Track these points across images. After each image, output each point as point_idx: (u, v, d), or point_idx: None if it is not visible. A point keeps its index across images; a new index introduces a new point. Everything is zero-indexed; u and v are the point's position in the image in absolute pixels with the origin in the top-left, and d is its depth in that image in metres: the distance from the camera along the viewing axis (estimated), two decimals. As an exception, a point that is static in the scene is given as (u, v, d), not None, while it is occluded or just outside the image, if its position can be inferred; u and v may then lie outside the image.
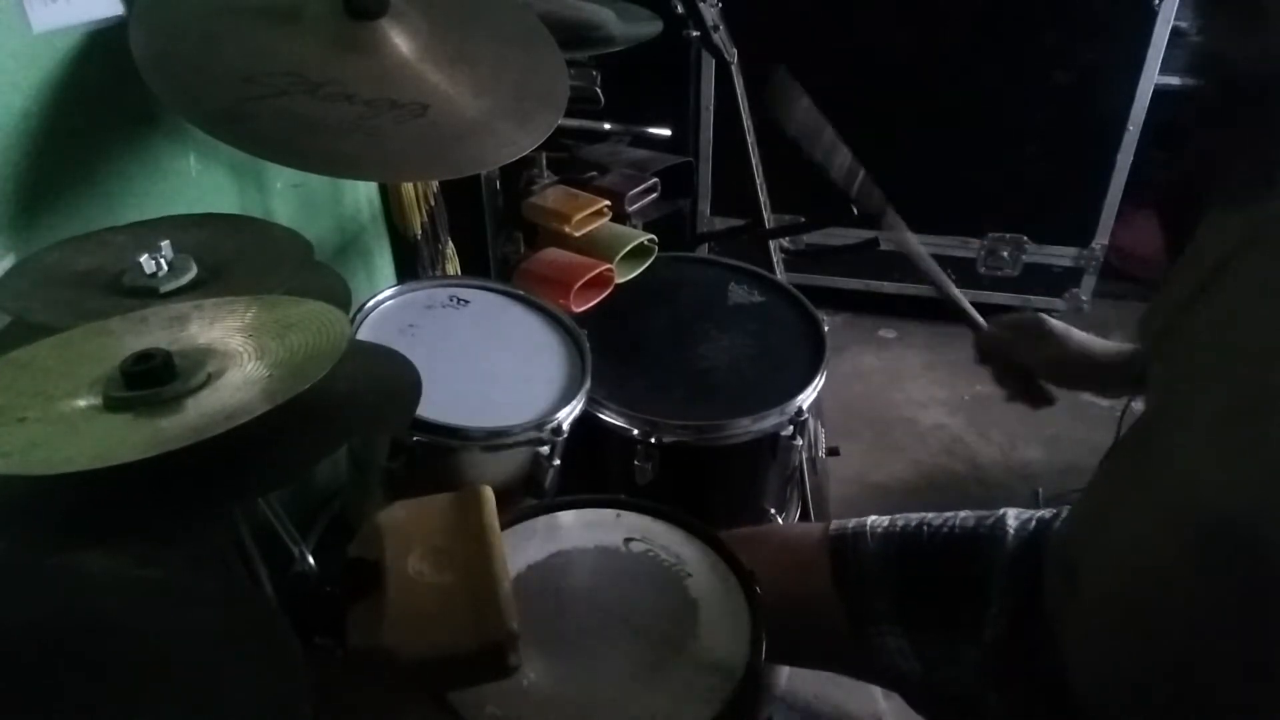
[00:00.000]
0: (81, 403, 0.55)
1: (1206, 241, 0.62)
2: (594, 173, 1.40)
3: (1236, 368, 0.55)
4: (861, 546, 0.89)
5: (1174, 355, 0.61)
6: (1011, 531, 0.85)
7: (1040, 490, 1.86)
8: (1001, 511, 0.88)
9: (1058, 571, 0.76)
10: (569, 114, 0.99)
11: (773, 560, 0.87)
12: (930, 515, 0.90)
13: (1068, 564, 0.73)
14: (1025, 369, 0.94)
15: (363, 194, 1.44)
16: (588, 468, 1.06)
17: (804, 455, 1.20)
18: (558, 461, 0.97)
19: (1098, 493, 0.74)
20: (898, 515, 0.91)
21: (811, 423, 1.23)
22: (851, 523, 0.92)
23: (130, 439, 0.51)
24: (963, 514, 0.89)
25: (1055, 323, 0.92)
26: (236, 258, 0.80)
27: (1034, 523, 0.85)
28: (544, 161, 1.34)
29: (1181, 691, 0.63)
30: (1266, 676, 0.58)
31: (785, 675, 1.10)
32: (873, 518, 0.92)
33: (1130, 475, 0.67)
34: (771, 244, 1.64)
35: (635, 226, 1.35)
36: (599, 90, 1.31)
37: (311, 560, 0.81)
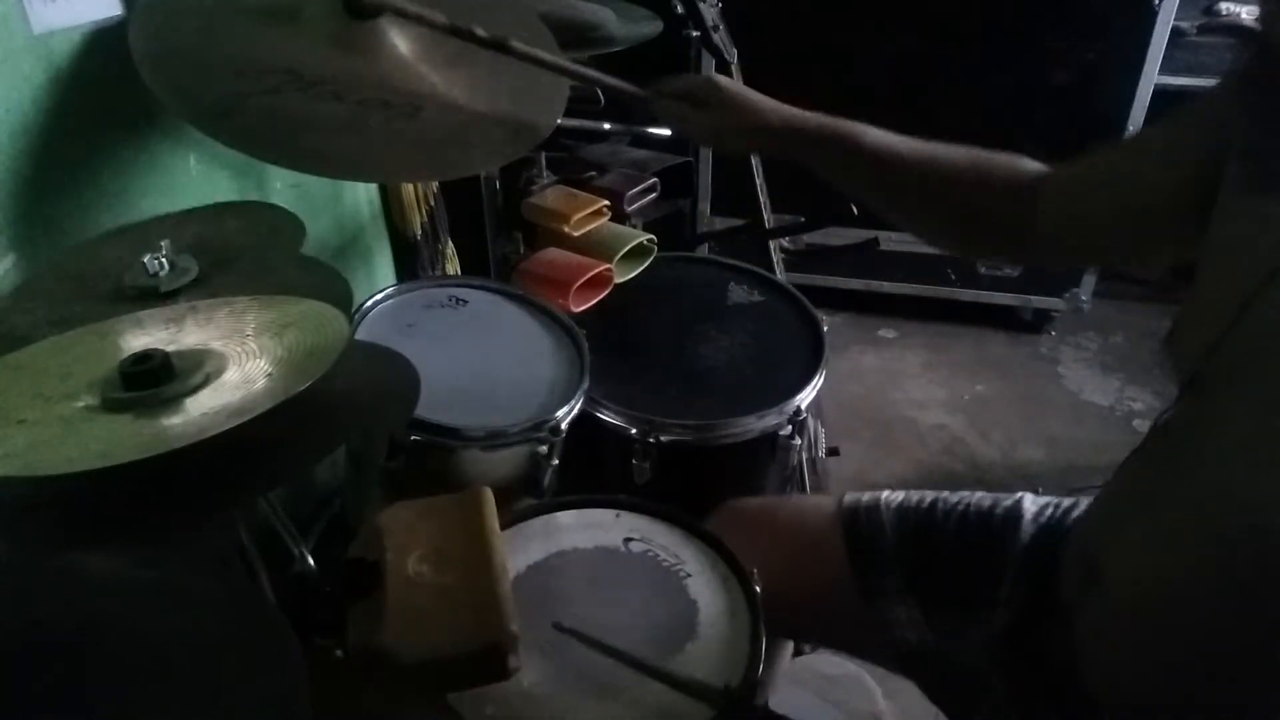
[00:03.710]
0: (80, 404, 0.55)
1: (1259, 244, 0.57)
2: (594, 172, 1.40)
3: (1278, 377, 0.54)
4: (875, 519, 0.88)
5: (1215, 364, 0.59)
6: (1028, 517, 0.84)
7: (1040, 490, 1.85)
8: (1019, 495, 0.87)
9: (1076, 566, 0.75)
10: (569, 114, 0.99)
11: (784, 531, 0.86)
12: (946, 493, 0.90)
13: (1087, 560, 0.72)
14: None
15: (362, 194, 1.44)
16: (586, 467, 1.06)
17: (803, 455, 1.20)
18: (556, 461, 0.97)
19: (1122, 491, 0.73)
20: (912, 490, 0.91)
21: (811, 423, 1.23)
22: (865, 496, 0.91)
23: (130, 440, 0.51)
24: (979, 494, 0.89)
25: (730, 86, 0.88)
26: (236, 243, 0.79)
27: (1050, 510, 0.85)
28: (544, 161, 1.34)
29: (1198, 689, 0.63)
30: None
31: (789, 655, 1.09)
32: (886, 492, 0.91)
33: (1157, 478, 0.66)
34: (771, 244, 1.64)
35: (635, 226, 1.35)
36: (599, 90, 1.31)
37: (311, 560, 0.81)
